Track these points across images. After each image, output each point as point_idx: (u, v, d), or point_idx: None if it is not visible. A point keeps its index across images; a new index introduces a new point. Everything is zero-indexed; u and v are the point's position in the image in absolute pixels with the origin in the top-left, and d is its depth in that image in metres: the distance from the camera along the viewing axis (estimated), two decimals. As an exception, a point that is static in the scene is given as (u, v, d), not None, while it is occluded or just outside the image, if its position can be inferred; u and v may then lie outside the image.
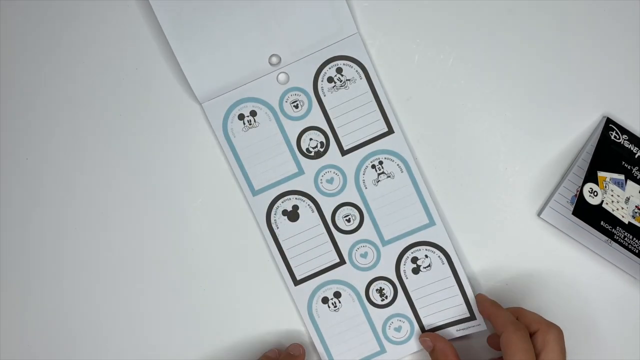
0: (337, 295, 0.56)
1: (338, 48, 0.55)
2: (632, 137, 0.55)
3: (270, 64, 0.55)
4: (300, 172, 0.55)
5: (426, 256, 0.55)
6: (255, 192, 0.56)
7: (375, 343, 0.56)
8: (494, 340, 0.55)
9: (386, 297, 0.56)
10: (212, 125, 0.56)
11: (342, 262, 0.56)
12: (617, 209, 0.53)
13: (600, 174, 0.53)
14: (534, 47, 0.56)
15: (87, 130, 0.57)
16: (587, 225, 0.52)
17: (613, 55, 0.55)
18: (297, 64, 0.55)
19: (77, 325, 0.58)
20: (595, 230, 0.52)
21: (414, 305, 0.55)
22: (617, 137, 0.54)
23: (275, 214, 0.56)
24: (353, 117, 0.55)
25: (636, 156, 0.55)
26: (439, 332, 0.55)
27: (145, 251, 0.57)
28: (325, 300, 0.56)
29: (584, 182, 0.53)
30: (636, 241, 0.53)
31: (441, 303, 0.55)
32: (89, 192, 0.57)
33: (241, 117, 0.55)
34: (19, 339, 0.58)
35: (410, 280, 0.55)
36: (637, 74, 0.55)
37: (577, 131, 0.56)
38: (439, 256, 0.55)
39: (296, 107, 0.55)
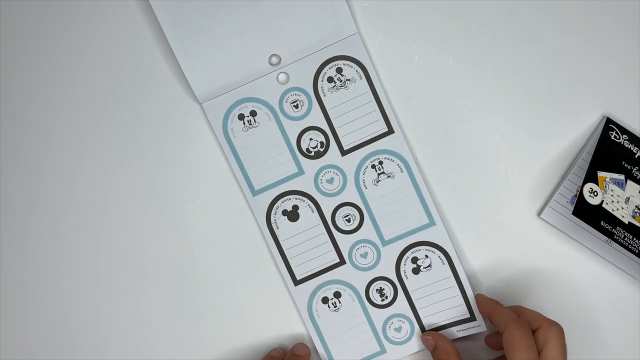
0: (337, 295, 0.56)
1: (338, 48, 0.55)
2: (632, 137, 0.55)
3: (270, 64, 0.55)
4: (300, 172, 0.55)
5: (426, 256, 0.55)
6: (255, 192, 0.56)
7: (375, 343, 0.56)
8: (492, 340, 0.55)
9: (386, 297, 0.56)
10: (212, 125, 0.56)
11: (342, 262, 0.56)
12: (617, 209, 0.53)
13: (600, 174, 0.53)
14: (534, 47, 0.56)
15: (87, 130, 0.57)
16: (587, 225, 0.52)
17: (613, 55, 0.55)
18: (297, 64, 0.55)
19: (77, 325, 0.58)
20: (595, 230, 0.52)
21: (414, 306, 0.55)
22: (617, 137, 0.54)
23: (275, 214, 0.56)
24: (353, 117, 0.55)
25: (636, 156, 0.55)
26: (440, 333, 0.55)
27: (145, 251, 0.57)
28: (325, 300, 0.56)
29: (584, 182, 0.52)
30: (636, 241, 0.53)
31: (441, 303, 0.55)
32: (89, 192, 0.57)
33: (241, 117, 0.55)
34: (19, 339, 0.58)
35: (410, 280, 0.55)
36: (637, 74, 0.55)
37: (577, 131, 0.56)
38: (439, 256, 0.55)
39: (296, 107, 0.55)
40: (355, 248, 0.55)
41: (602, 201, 0.53)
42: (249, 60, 0.55)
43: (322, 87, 0.55)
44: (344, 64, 0.55)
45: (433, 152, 0.56)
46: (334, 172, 0.55)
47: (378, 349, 0.56)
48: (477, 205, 0.56)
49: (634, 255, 0.53)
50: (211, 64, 0.55)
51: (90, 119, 0.57)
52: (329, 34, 0.54)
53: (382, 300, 0.56)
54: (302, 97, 0.55)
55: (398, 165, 0.55)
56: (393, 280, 0.55)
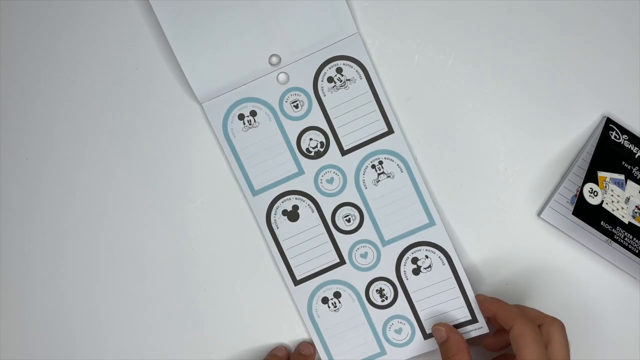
0: (337, 295, 0.56)
1: (338, 48, 0.55)
2: (632, 137, 0.55)
3: (270, 64, 0.55)
4: (300, 172, 0.55)
5: (426, 256, 0.55)
6: (255, 192, 0.56)
7: (375, 344, 0.56)
8: (491, 341, 0.54)
9: (386, 298, 0.55)
10: (212, 125, 0.56)
11: (342, 262, 0.56)
12: (617, 209, 0.53)
13: (600, 174, 0.53)
14: (534, 47, 0.55)
15: (87, 130, 0.57)
16: (587, 225, 0.52)
17: (613, 55, 0.55)
18: (297, 64, 0.55)
19: (77, 325, 0.58)
20: (595, 230, 0.52)
21: (414, 307, 0.55)
22: (617, 137, 0.54)
23: (275, 214, 0.56)
24: (353, 117, 0.55)
25: (636, 156, 0.55)
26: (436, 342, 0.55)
27: (145, 251, 0.57)
28: (325, 300, 0.56)
29: (584, 182, 0.52)
30: (636, 241, 0.53)
31: (442, 305, 0.55)
32: (89, 192, 0.57)
33: (241, 117, 0.55)
34: (19, 339, 0.58)
35: (410, 281, 0.55)
36: (637, 74, 0.55)
37: (577, 131, 0.56)
38: (439, 257, 0.55)
39: (296, 107, 0.55)
40: (355, 248, 0.55)
41: (602, 201, 0.53)
42: (249, 60, 0.55)
43: (322, 87, 0.55)
44: (344, 64, 0.55)
45: (433, 152, 0.56)
46: (334, 172, 0.55)
47: (378, 350, 0.56)
48: (477, 205, 0.56)
49: (634, 255, 0.53)
50: (211, 64, 0.55)
51: (90, 119, 0.57)
52: (329, 34, 0.54)
53: (382, 300, 0.56)
54: (302, 97, 0.55)
55: (398, 165, 0.55)
56: (393, 280, 0.55)
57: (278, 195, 0.56)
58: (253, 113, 0.55)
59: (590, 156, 0.54)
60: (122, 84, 0.57)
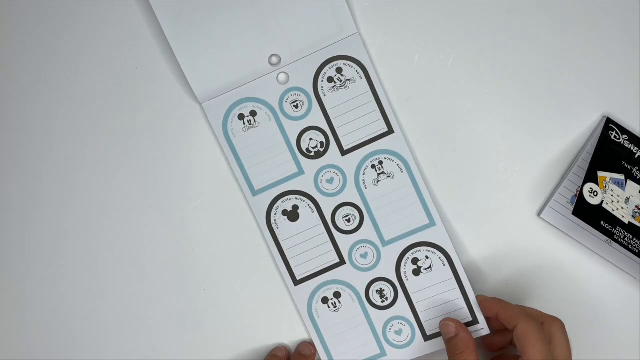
0: (337, 295, 0.56)
1: (338, 48, 0.55)
2: (632, 137, 0.55)
3: (270, 64, 0.55)
4: (300, 172, 0.55)
5: (427, 257, 0.55)
6: (255, 192, 0.56)
7: (375, 345, 0.56)
8: (490, 341, 0.54)
9: (386, 299, 0.55)
10: (212, 125, 0.56)
11: (342, 262, 0.56)
12: (617, 209, 0.53)
13: (600, 174, 0.53)
14: (534, 47, 0.55)
15: (87, 130, 0.57)
16: (587, 225, 0.52)
17: (613, 55, 0.55)
18: (297, 64, 0.55)
19: (77, 325, 0.58)
20: (595, 230, 0.52)
21: (414, 308, 0.55)
22: (617, 137, 0.54)
23: (275, 214, 0.56)
24: (353, 117, 0.55)
25: (636, 156, 0.55)
26: (442, 339, 0.55)
27: (145, 251, 0.57)
28: (325, 300, 0.56)
29: (584, 182, 0.52)
30: (636, 241, 0.53)
31: (443, 307, 0.55)
32: (89, 192, 0.57)
33: (241, 117, 0.55)
34: (19, 339, 0.58)
35: (410, 281, 0.55)
36: (637, 74, 0.55)
37: (577, 131, 0.56)
38: (439, 257, 0.55)
39: (296, 107, 0.55)
40: (355, 248, 0.55)
41: (602, 201, 0.53)
42: (249, 60, 0.55)
43: (322, 87, 0.55)
44: (344, 64, 0.55)
45: (433, 152, 0.56)
46: (334, 172, 0.55)
47: (378, 351, 0.56)
48: (477, 206, 0.56)
49: (634, 255, 0.53)
50: (211, 64, 0.55)
51: (90, 119, 0.57)
52: (329, 34, 0.54)
53: (383, 301, 0.55)
54: (302, 97, 0.55)
55: (398, 165, 0.55)
56: (393, 281, 0.55)
57: (278, 195, 0.56)
58: (253, 113, 0.55)
59: (590, 156, 0.54)
60: (122, 84, 0.57)
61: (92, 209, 0.57)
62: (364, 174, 0.55)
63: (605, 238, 0.53)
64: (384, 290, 0.55)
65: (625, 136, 0.55)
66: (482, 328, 0.54)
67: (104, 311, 0.57)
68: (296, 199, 0.55)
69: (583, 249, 0.55)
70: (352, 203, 0.55)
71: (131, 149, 0.57)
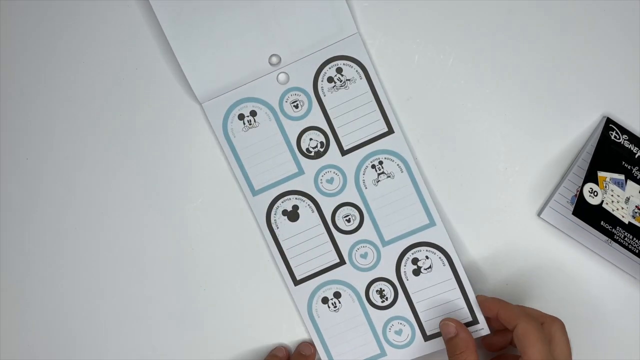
0: (337, 295, 0.56)
1: (338, 48, 0.55)
2: (632, 137, 0.55)
3: (270, 64, 0.55)
4: (300, 172, 0.55)
5: (427, 257, 0.55)
6: (255, 192, 0.56)
7: (375, 345, 0.56)
8: (490, 341, 0.54)
9: (386, 299, 0.55)
10: (212, 125, 0.56)
11: (342, 262, 0.56)
12: (617, 209, 0.53)
13: (600, 174, 0.53)
14: (534, 47, 0.55)
15: (87, 130, 0.57)
16: (587, 225, 0.52)
17: (613, 55, 0.55)
18: (297, 64, 0.55)
19: (77, 325, 0.58)
20: (595, 230, 0.52)
21: (415, 309, 0.55)
22: (617, 137, 0.54)
23: (275, 214, 0.56)
24: (353, 117, 0.55)
25: (636, 156, 0.55)
26: (442, 339, 0.55)
27: (145, 251, 0.57)
28: (325, 300, 0.56)
29: (584, 182, 0.53)
30: (636, 241, 0.53)
31: (443, 307, 0.55)
32: (89, 192, 0.57)
33: (241, 117, 0.55)
34: (19, 339, 0.58)
35: (411, 282, 0.55)
36: (637, 74, 0.55)
37: (577, 131, 0.56)
38: (439, 257, 0.55)
39: (296, 107, 0.55)
40: (355, 248, 0.55)
41: (602, 201, 0.53)
42: (249, 60, 0.55)
43: (322, 87, 0.55)
44: (344, 64, 0.55)
45: (433, 152, 0.56)
46: (334, 172, 0.55)
47: (378, 351, 0.56)
48: (477, 206, 0.56)
49: (634, 255, 0.53)
50: (211, 64, 0.55)
51: (90, 119, 0.57)
52: (329, 34, 0.54)
53: (383, 301, 0.55)
54: (302, 97, 0.55)
55: (398, 165, 0.55)
56: (393, 281, 0.55)
57: (278, 195, 0.56)
58: (253, 113, 0.55)
59: (590, 156, 0.54)
60: (122, 84, 0.57)
61: (92, 209, 0.57)
62: (364, 174, 0.55)
63: (605, 238, 0.53)
64: (384, 290, 0.55)
65: (625, 136, 0.55)
66: (482, 328, 0.54)
67: (104, 311, 0.57)
68: (296, 199, 0.55)
69: (583, 249, 0.55)
70: (352, 203, 0.55)
71: (131, 149, 0.57)
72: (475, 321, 0.54)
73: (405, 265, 0.55)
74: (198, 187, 0.57)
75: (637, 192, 0.54)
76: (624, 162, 0.54)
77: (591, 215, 0.52)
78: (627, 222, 0.53)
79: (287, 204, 0.56)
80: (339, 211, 0.55)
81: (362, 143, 0.55)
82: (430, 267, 0.55)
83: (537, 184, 0.56)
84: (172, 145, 0.57)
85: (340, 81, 0.55)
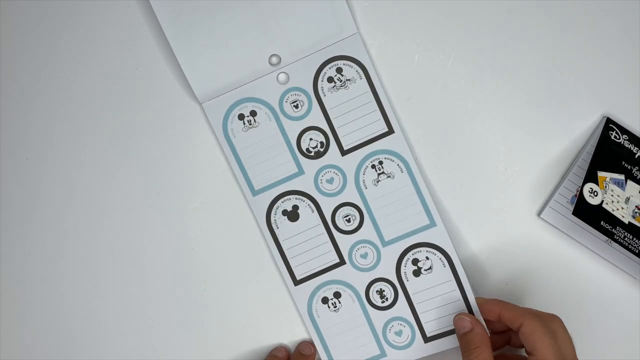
0: (337, 295, 0.56)
1: (338, 48, 0.55)
2: (632, 137, 0.55)
3: (270, 64, 0.55)
4: (300, 172, 0.55)
5: (427, 258, 0.55)
6: (255, 192, 0.56)
7: (375, 346, 0.56)
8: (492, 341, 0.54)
9: (387, 299, 0.55)
10: (212, 125, 0.56)
11: (342, 262, 0.56)
12: (617, 209, 0.53)
13: (600, 174, 0.53)
14: (534, 47, 0.55)
15: (87, 130, 0.57)
16: (587, 225, 0.52)
17: (613, 55, 0.55)
18: (297, 64, 0.55)
19: (77, 325, 0.58)
20: (595, 230, 0.52)
21: (415, 310, 0.55)
22: (617, 137, 0.54)
23: (275, 214, 0.56)
24: (353, 117, 0.55)
25: (636, 156, 0.55)
26: (442, 340, 0.55)
27: (145, 251, 0.57)
28: (325, 300, 0.56)
29: (584, 182, 0.52)
30: (636, 241, 0.53)
31: (443, 308, 0.55)
32: (89, 192, 0.57)
33: (241, 117, 0.55)
34: (19, 339, 0.58)
35: (411, 282, 0.55)
36: (637, 74, 0.55)
37: (577, 131, 0.56)
38: (440, 258, 0.55)
39: (296, 107, 0.55)
40: (355, 248, 0.55)
41: (602, 201, 0.53)
42: (249, 60, 0.55)
43: (322, 87, 0.55)
44: (344, 64, 0.55)
45: (433, 152, 0.56)
46: (334, 172, 0.55)
47: (378, 352, 0.56)
48: (477, 206, 0.56)
49: (634, 255, 0.53)
50: (211, 64, 0.55)
51: (90, 119, 0.57)
52: (329, 34, 0.54)
53: (383, 302, 0.55)
54: (302, 97, 0.55)
55: (398, 165, 0.55)
56: (393, 281, 0.55)
57: (278, 195, 0.56)
58: (253, 113, 0.55)
59: (590, 156, 0.54)
60: (122, 84, 0.57)
61: (92, 209, 0.57)
62: (364, 174, 0.55)
63: (605, 238, 0.53)
64: (384, 291, 0.55)
65: (625, 136, 0.55)
66: (483, 330, 0.54)
67: (104, 311, 0.57)
68: (296, 199, 0.55)
69: (583, 249, 0.55)
70: (352, 203, 0.55)
71: (131, 149, 0.57)
72: (475, 322, 0.54)
73: (405, 266, 0.55)
74: (198, 187, 0.57)
75: (637, 192, 0.54)
76: (624, 162, 0.54)
77: (591, 215, 0.52)
78: (627, 222, 0.53)
79: (287, 204, 0.56)
80: (339, 211, 0.55)
81: (362, 143, 0.55)
82: (430, 268, 0.55)
83: (537, 184, 0.56)
84: (172, 145, 0.57)
85: (340, 81, 0.55)
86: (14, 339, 0.58)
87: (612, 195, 0.53)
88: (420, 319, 0.55)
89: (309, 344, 0.56)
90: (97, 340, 0.58)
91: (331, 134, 0.55)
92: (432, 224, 0.55)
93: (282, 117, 0.55)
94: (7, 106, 0.57)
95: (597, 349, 0.55)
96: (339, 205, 0.55)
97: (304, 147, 0.55)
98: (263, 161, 0.55)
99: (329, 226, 0.55)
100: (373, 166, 0.55)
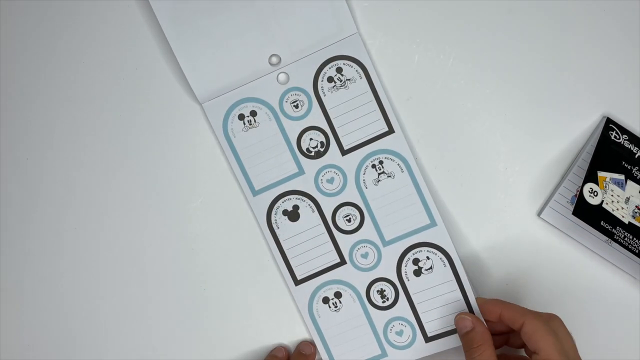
0: (338, 295, 0.56)
1: (338, 48, 0.55)
2: (632, 137, 0.55)
3: (270, 64, 0.55)
4: (301, 172, 0.55)
5: (428, 258, 0.55)
6: (255, 192, 0.56)
7: (376, 346, 0.56)
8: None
9: (387, 299, 0.55)
10: (213, 125, 0.56)
11: (342, 262, 0.56)
12: (617, 209, 0.53)
13: (600, 174, 0.53)
14: (534, 47, 0.55)
15: (87, 130, 0.57)
16: (587, 225, 0.52)
17: (613, 55, 0.55)
18: (297, 64, 0.55)
19: (77, 325, 0.58)
20: (595, 230, 0.52)
21: (415, 310, 0.55)
22: (617, 137, 0.55)
23: (275, 214, 0.56)
24: (353, 116, 0.55)
25: (636, 156, 0.55)
26: (443, 340, 0.55)
27: (145, 251, 0.57)
28: (326, 300, 0.56)
29: (584, 182, 0.53)
30: (636, 241, 0.53)
31: (444, 308, 0.55)
32: (89, 192, 0.57)
33: (241, 117, 0.55)
34: (19, 339, 0.58)
35: (411, 282, 0.55)
36: (637, 74, 0.55)
37: (577, 131, 0.56)
38: (440, 258, 0.55)
39: (296, 107, 0.55)
40: (356, 248, 0.55)
41: (602, 201, 0.53)
42: (249, 60, 0.55)
43: (322, 87, 0.55)
44: (344, 64, 0.55)
45: (433, 152, 0.56)
46: (334, 172, 0.55)
47: (379, 352, 0.56)
48: (477, 206, 0.56)
49: (634, 255, 0.53)
50: (211, 64, 0.55)
51: (90, 119, 0.57)
52: (328, 34, 0.54)
53: (384, 302, 0.55)
54: (302, 97, 0.55)
55: (398, 165, 0.55)
56: (394, 281, 0.55)
57: (278, 195, 0.56)
58: (253, 113, 0.55)
59: (590, 156, 0.54)
60: (122, 84, 0.57)
61: (92, 209, 0.57)
62: (364, 174, 0.55)
63: (605, 238, 0.53)
64: (384, 291, 0.55)
65: (625, 136, 0.55)
66: (484, 330, 0.54)
67: (104, 311, 0.57)
68: (296, 198, 0.55)
69: (583, 249, 0.55)
70: (352, 203, 0.55)
71: (131, 149, 0.57)
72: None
73: (406, 266, 0.55)
74: (198, 187, 0.57)
75: (637, 192, 0.54)
76: (624, 162, 0.54)
77: (591, 215, 0.52)
78: (627, 222, 0.53)
79: (288, 204, 0.56)
80: (339, 211, 0.55)
81: (362, 143, 0.55)
82: (431, 267, 0.55)
83: (537, 184, 0.56)
84: (172, 145, 0.57)
85: (340, 81, 0.55)
86: (14, 339, 0.58)
87: (612, 195, 0.53)
88: (421, 318, 0.55)
89: (309, 343, 0.56)
90: (97, 340, 0.58)
91: (331, 133, 0.55)
92: (433, 223, 0.55)
93: (282, 117, 0.55)
94: (7, 106, 0.57)
95: (597, 349, 0.55)
96: (339, 205, 0.55)
97: (304, 147, 0.55)
98: (263, 161, 0.55)
99: (330, 226, 0.55)
100: (373, 166, 0.55)
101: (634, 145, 0.55)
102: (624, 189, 0.54)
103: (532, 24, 0.55)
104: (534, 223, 0.56)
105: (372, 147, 0.55)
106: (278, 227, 0.56)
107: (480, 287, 0.56)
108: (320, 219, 0.55)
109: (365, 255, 0.55)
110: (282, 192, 0.56)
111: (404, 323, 0.55)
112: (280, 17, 0.54)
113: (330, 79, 0.55)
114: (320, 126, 0.55)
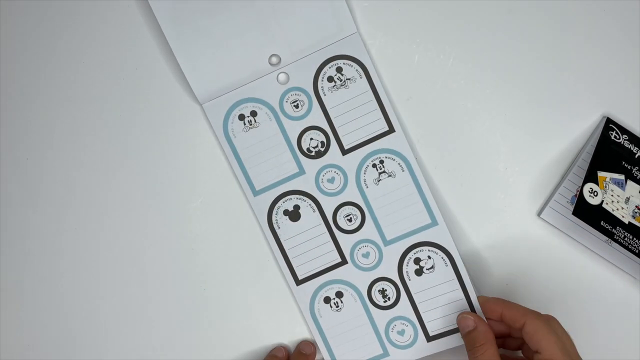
0: (339, 295, 0.56)
1: (338, 47, 0.55)
2: (632, 137, 0.55)
3: (270, 64, 0.55)
4: (301, 171, 0.55)
5: (429, 257, 0.55)
6: (256, 192, 0.56)
7: (378, 345, 0.56)
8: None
9: (389, 299, 0.55)
10: (213, 125, 0.56)
11: (343, 261, 0.56)
12: (617, 209, 0.53)
13: (600, 174, 0.53)
14: (534, 47, 0.56)
15: (87, 130, 0.57)
16: (587, 225, 0.52)
17: (613, 55, 0.55)
18: (297, 63, 0.55)
19: (77, 325, 0.57)
20: (595, 230, 0.52)
21: (417, 309, 0.55)
22: (617, 137, 0.55)
23: (276, 214, 0.56)
24: (353, 116, 0.55)
25: (636, 156, 0.55)
26: (445, 339, 0.55)
27: (145, 251, 0.57)
28: (327, 300, 0.56)
29: (584, 182, 0.53)
30: (636, 241, 0.53)
31: (445, 308, 0.55)
32: (89, 192, 0.57)
33: (241, 117, 0.55)
34: (19, 339, 0.58)
35: (413, 282, 0.55)
36: (637, 74, 0.55)
37: (577, 131, 0.56)
38: (442, 257, 0.55)
39: (296, 106, 0.55)
40: (357, 248, 0.55)
41: (602, 201, 0.53)
42: (249, 60, 0.55)
43: (322, 87, 0.55)
44: (344, 64, 0.55)
45: (433, 152, 0.56)
46: (335, 172, 0.55)
47: (381, 352, 0.56)
48: (477, 205, 0.56)
49: (634, 255, 0.53)
50: (211, 64, 0.55)
51: (90, 119, 0.57)
52: (328, 34, 0.54)
53: (385, 301, 0.55)
54: (303, 97, 0.55)
55: (399, 164, 0.55)
56: (395, 281, 0.55)
57: (279, 195, 0.56)
58: (253, 113, 0.55)
59: (590, 156, 0.54)
60: (122, 84, 0.57)
61: (92, 209, 0.57)
62: (365, 173, 0.55)
63: (605, 238, 0.53)
64: (386, 290, 0.55)
65: (625, 136, 0.55)
66: (485, 329, 0.54)
67: (104, 311, 0.57)
68: (297, 198, 0.55)
69: (583, 249, 0.55)
70: (353, 202, 0.55)
71: (131, 149, 0.57)
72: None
73: (407, 265, 0.55)
74: (198, 187, 0.57)
75: (637, 192, 0.54)
76: (624, 162, 0.54)
77: (591, 215, 0.52)
78: (627, 222, 0.53)
79: (289, 203, 0.56)
80: (340, 211, 0.55)
81: (362, 142, 0.55)
82: (432, 267, 0.55)
83: (537, 184, 0.56)
84: (172, 145, 0.57)
85: (341, 80, 0.55)
86: (14, 339, 0.58)
87: (612, 195, 0.53)
88: (423, 318, 0.55)
89: (309, 343, 0.56)
90: (97, 340, 0.57)
91: (332, 133, 0.55)
92: (434, 222, 0.55)
93: (282, 117, 0.55)
94: (7, 106, 0.57)
95: (597, 349, 0.56)
96: (340, 205, 0.55)
97: (304, 146, 0.55)
98: (264, 161, 0.55)
99: (331, 226, 0.55)
100: (374, 165, 0.55)
101: (634, 145, 0.55)
102: (624, 189, 0.54)
103: (532, 24, 0.56)
104: (534, 223, 0.56)
105: (372, 146, 0.55)
106: (279, 227, 0.56)
107: (481, 287, 0.56)
108: (321, 219, 0.55)
109: (366, 255, 0.55)
110: (282, 192, 0.56)
111: (405, 322, 0.55)
112: (280, 17, 0.54)
113: (330, 79, 0.55)
114: (321, 126, 0.55)
